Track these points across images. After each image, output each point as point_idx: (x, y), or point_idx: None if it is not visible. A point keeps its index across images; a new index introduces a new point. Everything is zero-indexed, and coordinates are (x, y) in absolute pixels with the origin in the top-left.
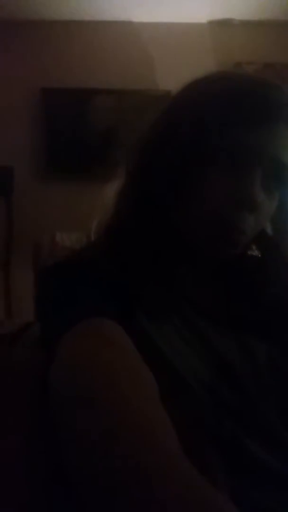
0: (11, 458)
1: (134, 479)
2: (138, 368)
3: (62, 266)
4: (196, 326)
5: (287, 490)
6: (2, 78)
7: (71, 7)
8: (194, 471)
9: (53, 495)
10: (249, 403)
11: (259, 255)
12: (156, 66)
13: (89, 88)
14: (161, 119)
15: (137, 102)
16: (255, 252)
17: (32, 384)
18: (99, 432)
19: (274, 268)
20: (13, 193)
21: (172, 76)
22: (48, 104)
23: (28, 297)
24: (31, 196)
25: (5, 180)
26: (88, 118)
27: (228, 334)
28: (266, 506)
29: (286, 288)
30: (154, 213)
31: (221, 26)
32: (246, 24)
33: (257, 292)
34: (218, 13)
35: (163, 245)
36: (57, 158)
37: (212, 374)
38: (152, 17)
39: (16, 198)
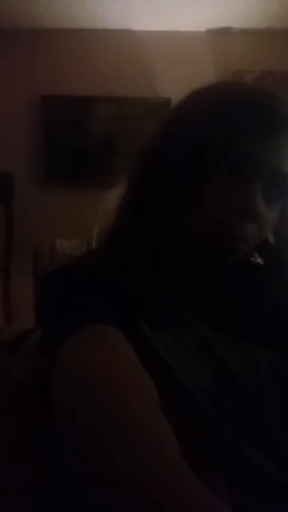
0: (12, 463)
1: (133, 485)
2: (138, 375)
3: (62, 273)
4: (197, 332)
5: (286, 498)
6: (2, 85)
7: (71, 15)
8: (193, 477)
9: (54, 498)
10: (250, 410)
11: (262, 263)
12: (155, 74)
13: (89, 96)
14: (163, 129)
15: (137, 109)
16: (257, 259)
17: (33, 390)
18: (99, 438)
19: (276, 276)
20: (13, 200)
21: (172, 83)
22: (48, 111)
23: (27, 304)
24: (30, 203)
25: (5, 186)
26: (88, 125)
27: (230, 340)
28: None
29: (286, 295)
30: (156, 221)
31: (220, 34)
32: (245, 33)
33: (259, 299)
34: (217, 22)
35: (165, 252)
36: (57, 165)
37: (213, 381)
38: (151, 25)
39: (15, 205)
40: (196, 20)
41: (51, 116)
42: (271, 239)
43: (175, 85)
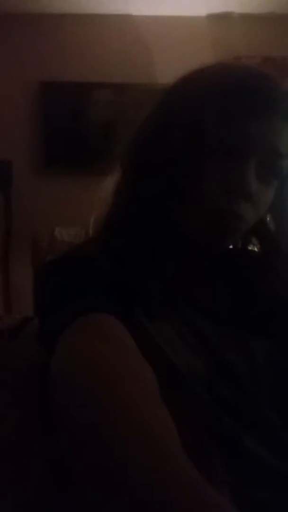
0: (10, 454)
1: (134, 478)
2: (138, 365)
3: (61, 262)
4: (194, 323)
5: (285, 488)
6: (0, 71)
7: (69, 0)
8: (194, 470)
9: (52, 493)
10: (247, 401)
11: (259, 251)
12: (155, 60)
13: (88, 82)
14: (156, 112)
15: (136, 96)
16: (255, 246)
17: (32, 379)
18: (98, 430)
19: (274, 265)
20: (12, 188)
21: (172, 69)
22: (46, 98)
23: (27, 292)
24: (29, 191)
25: (4, 174)
26: (87, 111)
27: (227, 331)
28: (265, 504)
29: (285, 285)
30: (150, 208)
31: (221, 19)
32: (246, 18)
33: (256, 289)
34: (218, 7)
35: (161, 240)
36: (56, 152)
37: (211, 372)
38: (151, 10)
39: (14, 193)
40: (196, 4)
41: (50, 102)
42: (272, 227)
43: (174, 71)
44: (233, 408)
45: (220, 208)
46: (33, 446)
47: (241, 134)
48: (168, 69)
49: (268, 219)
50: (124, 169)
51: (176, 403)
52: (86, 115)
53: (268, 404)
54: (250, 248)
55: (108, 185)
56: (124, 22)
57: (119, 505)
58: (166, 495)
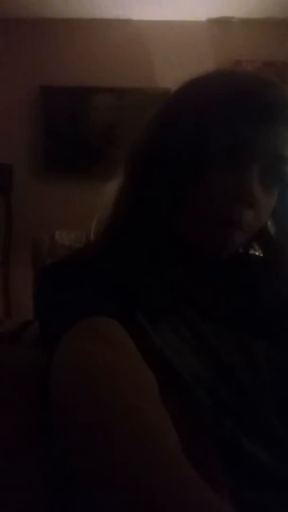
0: (10, 457)
1: (133, 480)
2: (138, 368)
3: (61, 265)
4: (195, 326)
5: (286, 490)
6: (1, 75)
7: (70, 5)
8: (194, 474)
9: (52, 495)
10: (248, 403)
11: (261, 255)
12: (155, 64)
13: (88, 86)
14: (158, 119)
15: (136, 100)
16: (257, 251)
17: (32, 383)
18: (99, 432)
19: (274, 268)
20: (12, 191)
21: (172, 74)
22: (46, 102)
23: (27, 295)
24: (30, 194)
25: (4, 178)
26: (87, 116)
27: (228, 333)
28: (265, 506)
29: (286, 287)
30: (152, 213)
31: (221, 24)
32: (246, 22)
33: (257, 292)
34: (218, 11)
35: (161, 245)
36: (56, 156)
37: (211, 374)
38: (151, 15)
39: (14, 196)
40: (196, 9)
41: (50, 106)
42: (272, 232)
43: (175, 75)
44: (233, 411)
45: (219, 215)
46: (33, 448)
47: (243, 139)
48: (169, 73)
49: (269, 224)
50: (126, 173)
51: (177, 406)
52: (86, 119)
53: (269, 407)
54: (251, 252)
55: (109, 189)
56: (124, 27)
57: (119, 506)
58: (166, 496)
